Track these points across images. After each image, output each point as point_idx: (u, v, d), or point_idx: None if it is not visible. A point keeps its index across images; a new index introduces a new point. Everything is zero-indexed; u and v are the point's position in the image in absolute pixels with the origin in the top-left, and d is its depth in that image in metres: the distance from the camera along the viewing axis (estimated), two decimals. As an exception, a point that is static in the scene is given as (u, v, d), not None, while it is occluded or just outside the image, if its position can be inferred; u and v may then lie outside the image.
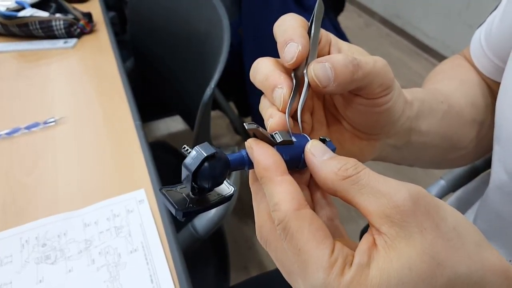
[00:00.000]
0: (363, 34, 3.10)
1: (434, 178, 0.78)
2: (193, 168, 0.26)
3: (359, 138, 0.38)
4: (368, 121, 0.36)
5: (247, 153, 0.28)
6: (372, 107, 0.34)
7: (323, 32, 0.34)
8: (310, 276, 0.23)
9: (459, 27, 2.46)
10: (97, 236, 0.53)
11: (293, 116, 0.32)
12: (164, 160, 1.08)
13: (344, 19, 1.60)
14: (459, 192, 0.71)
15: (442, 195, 0.75)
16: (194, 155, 0.27)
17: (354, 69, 0.30)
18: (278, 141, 0.28)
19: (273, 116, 0.30)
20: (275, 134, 0.29)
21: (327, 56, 0.30)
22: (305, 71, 0.31)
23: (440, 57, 2.59)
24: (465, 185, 0.70)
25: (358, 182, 0.25)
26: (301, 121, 0.32)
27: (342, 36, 1.36)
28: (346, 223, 1.55)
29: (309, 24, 0.32)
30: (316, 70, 0.30)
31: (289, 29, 0.31)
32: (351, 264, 0.23)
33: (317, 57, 0.31)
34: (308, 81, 0.30)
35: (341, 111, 0.37)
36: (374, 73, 0.31)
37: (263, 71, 0.31)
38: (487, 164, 0.50)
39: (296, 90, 0.31)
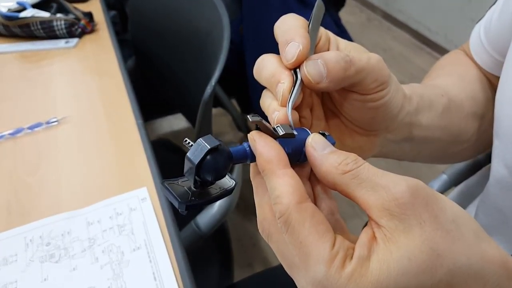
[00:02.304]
0: (365, 29, 3.09)
1: (437, 173, 0.78)
2: (196, 160, 0.26)
3: (358, 134, 0.38)
4: (365, 117, 0.36)
5: (249, 146, 0.28)
6: (367, 103, 0.34)
7: (322, 30, 0.34)
8: (311, 268, 0.23)
9: (461, 21, 2.45)
10: (101, 235, 0.54)
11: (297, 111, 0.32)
12: (167, 158, 1.09)
13: (346, 15, 1.60)
14: (461, 186, 0.71)
15: (444, 189, 0.75)
16: (198, 147, 0.26)
17: (347, 65, 0.30)
18: (280, 134, 0.28)
19: (279, 110, 0.30)
20: (277, 127, 0.29)
21: (320, 53, 0.30)
22: (298, 69, 0.31)
23: (443, 51, 2.58)
24: (467, 179, 0.70)
25: (357, 176, 0.25)
26: (300, 117, 0.32)
27: (343, 31, 1.36)
28: (351, 219, 1.55)
29: (309, 23, 0.33)
30: (309, 67, 0.30)
31: (290, 29, 0.31)
32: (351, 257, 0.23)
33: None
34: (301, 78, 0.31)
35: (339, 107, 0.37)
36: (368, 69, 0.32)
37: (270, 68, 0.31)
38: (489, 158, 0.50)
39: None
